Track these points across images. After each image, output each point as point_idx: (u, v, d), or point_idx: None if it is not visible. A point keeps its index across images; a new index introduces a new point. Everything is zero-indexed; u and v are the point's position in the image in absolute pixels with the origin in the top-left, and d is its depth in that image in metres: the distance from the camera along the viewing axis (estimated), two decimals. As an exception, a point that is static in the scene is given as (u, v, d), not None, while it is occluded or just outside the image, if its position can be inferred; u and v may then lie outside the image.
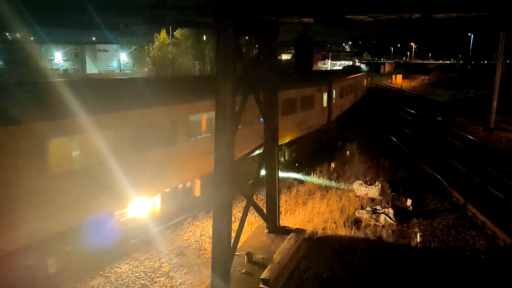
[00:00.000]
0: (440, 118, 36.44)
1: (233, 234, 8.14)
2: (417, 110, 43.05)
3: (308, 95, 20.53)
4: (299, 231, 10.34)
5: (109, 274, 9.83)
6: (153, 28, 49.95)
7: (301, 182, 16.98)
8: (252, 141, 11.89)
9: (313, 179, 17.14)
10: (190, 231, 12.27)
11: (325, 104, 23.76)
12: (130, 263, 10.35)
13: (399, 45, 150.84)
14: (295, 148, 19.62)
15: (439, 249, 11.51)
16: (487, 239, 12.18)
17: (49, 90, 9.63)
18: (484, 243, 11.91)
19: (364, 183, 15.68)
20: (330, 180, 17.07)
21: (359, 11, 6.09)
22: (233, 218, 7.67)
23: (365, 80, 48.73)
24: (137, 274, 9.88)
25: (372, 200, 14.92)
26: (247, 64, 8.04)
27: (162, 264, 10.29)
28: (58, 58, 53.48)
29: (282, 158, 18.67)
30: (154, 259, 10.55)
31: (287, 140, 18.17)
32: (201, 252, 10.96)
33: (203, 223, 12.76)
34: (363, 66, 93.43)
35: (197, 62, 55.40)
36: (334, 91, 25.80)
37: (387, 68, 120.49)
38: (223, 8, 6.81)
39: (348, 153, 22.13)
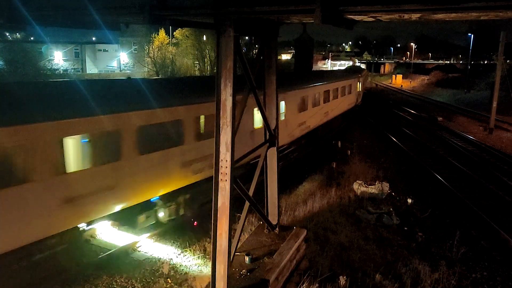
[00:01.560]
0: (441, 118, 36.45)
1: (233, 234, 8.13)
2: (417, 110, 43.06)
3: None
4: (299, 231, 10.33)
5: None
6: (153, 28, 49.96)
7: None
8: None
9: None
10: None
11: (259, 124, 14.86)
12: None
13: (399, 45, 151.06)
14: (188, 199, 12.13)
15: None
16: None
17: None
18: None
19: (364, 183, 15.68)
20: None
21: (359, 11, 6.09)
22: (233, 218, 7.68)
23: (358, 85, 35.42)
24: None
25: (373, 200, 14.92)
26: (247, 64, 8.03)
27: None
28: (58, 58, 53.43)
29: (161, 218, 11.72)
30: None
31: (168, 189, 11.21)
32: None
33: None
34: (363, 66, 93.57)
35: (197, 62, 55.44)
36: (285, 103, 17.55)
37: (387, 68, 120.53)
38: (223, 8, 6.80)
39: (349, 152, 22.13)
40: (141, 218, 10.85)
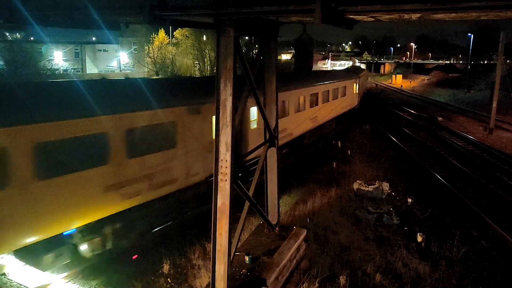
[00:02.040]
0: (441, 118, 36.47)
1: (233, 234, 8.14)
2: (417, 110, 43.08)
3: (155, 124, 10.31)
4: (299, 231, 10.34)
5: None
6: (153, 28, 49.98)
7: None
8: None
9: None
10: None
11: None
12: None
13: (399, 45, 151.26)
14: (118, 229, 10.00)
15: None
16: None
17: None
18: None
19: (364, 183, 15.69)
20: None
21: (359, 11, 6.09)
22: (233, 217, 7.68)
23: (355, 86, 32.33)
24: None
25: (373, 200, 14.92)
26: (247, 64, 8.03)
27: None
28: (58, 58, 53.44)
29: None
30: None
31: (88, 220, 9.08)
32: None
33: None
34: (363, 66, 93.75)
35: (197, 62, 55.47)
36: (257, 109, 13.04)
37: (387, 68, 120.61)
38: (223, 8, 6.80)
39: (349, 152, 22.15)
40: (48, 257, 8.59)
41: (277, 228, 10.13)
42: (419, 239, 11.82)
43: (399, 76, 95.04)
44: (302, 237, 10.18)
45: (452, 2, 5.45)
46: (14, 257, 8.79)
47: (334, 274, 9.75)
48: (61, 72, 42.54)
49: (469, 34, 71.80)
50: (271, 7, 6.38)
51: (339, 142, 24.41)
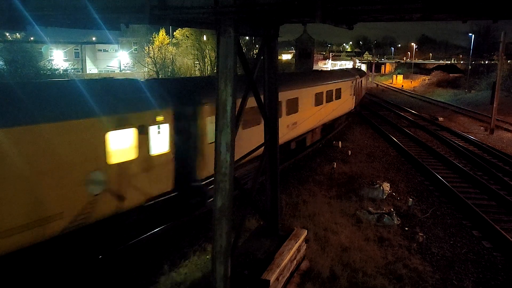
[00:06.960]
0: (442, 119, 36.45)
1: (234, 235, 8.11)
2: (418, 110, 43.07)
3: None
4: (299, 231, 10.32)
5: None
6: (153, 28, 50.01)
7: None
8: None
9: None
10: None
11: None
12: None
13: (399, 45, 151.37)
14: None
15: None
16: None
17: None
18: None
19: (365, 183, 15.66)
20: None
21: (360, 10, 6.07)
22: (233, 218, 7.65)
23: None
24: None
25: (373, 200, 14.89)
26: (248, 64, 8.01)
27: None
28: (59, 58, 53.42)
29: None
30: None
31: None
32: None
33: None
34: (363, 67, 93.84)
35: (198, 62, 55.51)
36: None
37: (388, 68, 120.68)
38: (223, 8, 6.78)
39: (349, 152, 22.12)
40: None
41: (277, 229, 10.11)
42: (420, 239, 11.79)
43: (400, 76, 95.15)
44: (302, 237, 10.16)
45: (452, 2, 5.44)
46: None
47: (335, 275, 9.72)
48: (61, 72, 42.48)
49: (470, 34, 71.83)
50: (272, 7, 6.37)
51: (340, 142, 24.39)
